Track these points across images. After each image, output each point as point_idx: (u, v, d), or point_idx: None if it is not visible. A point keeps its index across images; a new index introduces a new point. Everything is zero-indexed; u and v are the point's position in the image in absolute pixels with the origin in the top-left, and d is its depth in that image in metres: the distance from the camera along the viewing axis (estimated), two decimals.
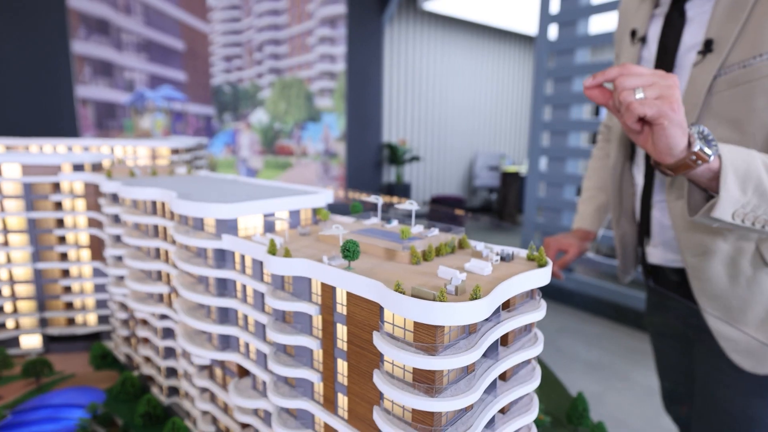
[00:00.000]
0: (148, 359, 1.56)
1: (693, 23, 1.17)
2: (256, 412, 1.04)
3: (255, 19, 7.50)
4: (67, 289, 1.85)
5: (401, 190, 9.23)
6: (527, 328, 0.85)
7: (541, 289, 0.87)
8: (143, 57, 6.62)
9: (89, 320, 1.87)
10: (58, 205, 1.78)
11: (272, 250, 0.85)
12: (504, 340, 0.79)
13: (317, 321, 0.83)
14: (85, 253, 1.83)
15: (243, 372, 1.09)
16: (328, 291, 0.79)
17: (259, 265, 0.95)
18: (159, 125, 6.94)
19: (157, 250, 1.37)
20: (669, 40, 1.21)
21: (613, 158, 1.51)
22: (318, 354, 0.84)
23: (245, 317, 1.03)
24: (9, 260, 1.78)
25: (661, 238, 1.39)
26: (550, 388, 1.82)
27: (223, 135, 7.59)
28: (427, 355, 0.63)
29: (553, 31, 5.27)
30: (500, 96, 11.27)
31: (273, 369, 0.88)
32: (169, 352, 1.44)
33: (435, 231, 0.97)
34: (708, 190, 1.01)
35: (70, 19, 5.96)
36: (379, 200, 1.07)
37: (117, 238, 1.57)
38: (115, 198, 1.56)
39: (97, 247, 1.83)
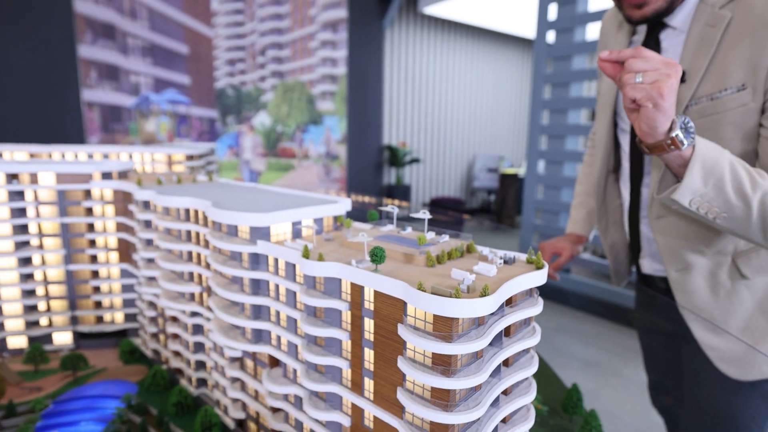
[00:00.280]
0: (177, 353, 1.69)
1: (667, 53, 1.28)
2: (286, 397, 1.17)
3: (258, 24, 7.63)
4: (97, 289, 1.98)
5: (401, 191, 9.36)
6: (527, 322, 0.98)
7: (539, 289, 1.00)
8: (148, 61, 6.74)
9: (117, 318, 2.00)
10: (89, 211, 1.91)
11: (306, 254, 0.99)
12: (507, 331, 0.92)
13: (346, 316, 0.97)
14: (114, 256, 1.96)
15: (274, 362, 1.23)
16: (357, 290, 0.92)
17: (291, 267, 1.09)
18: (164, 128, 7.06)
19: (190, 253, 1.50)
20: None
21: (596, 172, 1.63)
22: (347, 344, 0.98)
23: (277, 313, 1.16)
24: (44, 262, 1.91)
25: (649, 250, 1.52)
26: (547, 382, 1.95)
27: (227, 138, 7.72)
28: (444, 342, 0.77)
29: (551, 38, 5.40)
30: (499, 99, 11.41)
31: (306, 358, 1.02)
32: (198, 347, 1.57)
33: (446, 237, 1.10)
34: (678, 176, 1.13)
35: (76, 24, 6.07)
36: (395, 209, 1.21)
37: (148, 242, 1.70)
38: (146, 204, 1.69)
39: (124, 250, 1.96)
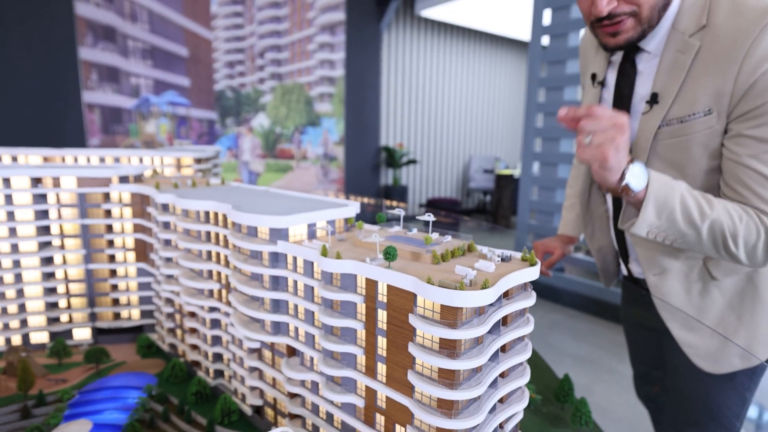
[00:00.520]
0: (194, 347, 1.80)
1: (643, 75, 1.38)
2: (303, 383, 1.28)
3: (257, 26, 7.73)
4: (115, 287, 2.08)
5: (398, 192, 9.48)
6: (522, 313, 1.10)
7: (534, 288, 1.13)
8: (148, 63, 6.82)
9: (133, 315, 2.11)
10: (108, 213, 2.02)
11: (324, 253, 1.10)
12: (504, 321, 1.04)
13: (361, 308, 1.08)
14: (131, 255, 2.07)
15: (291, 352, 1.34)
16: (372, 284, 1.04)
17: (310, 264, 1.20)
18: (163, 130, 7.14)
19: (209, 252, 1.61)
20: (623, 88, 1.43)
21: (581, 182, 1.74)
22: (361, 333, 1.09)
23: (295, 307, 1.28)
24: (65, 261, 2.01)
25: (634, 255, 1.64)
26: (541, 373, 2.07)
27: (226, 139, 7.81)
28: (450, 329, 0.88)
29: (545, 42, 5.54)
30: (494, 100, 11.56)
31: (324, 346, 1.13)
32: (216, 340, 1.69)
33: (448, 237, 1.22)
34: (637, 208, 1.26)
35: (77, 27, 6.15)
36: (401, 212, 1.33)
37: (167, 242, 1.81)
38: (165, 207, 1.80)
39: (141, 250, 2.07)
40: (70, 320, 2.05)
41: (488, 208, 11.19)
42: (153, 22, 6.80)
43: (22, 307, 1.97)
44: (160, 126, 7.11)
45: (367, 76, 8.97)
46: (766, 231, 1.21)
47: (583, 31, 1.72)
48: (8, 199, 1.89)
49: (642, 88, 1.38)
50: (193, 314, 1.77)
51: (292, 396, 1.34)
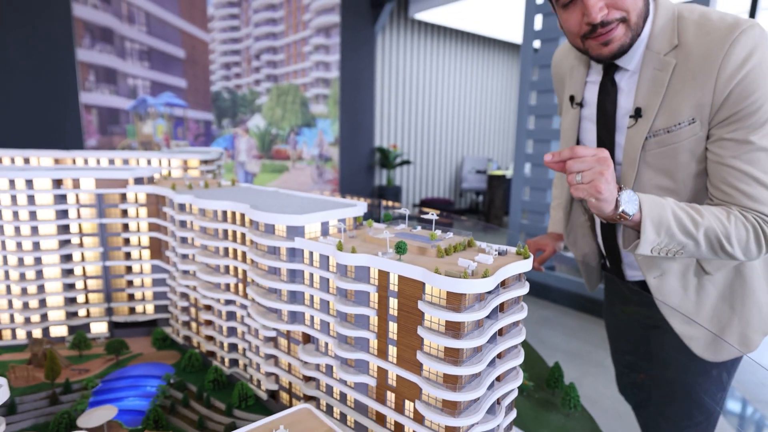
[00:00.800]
0: (210, 338, 1.92)
1: (624, 92, 1.49)
2: (318, 367, 1.41)
3: (253, 28, 7.82)
4: (130, 283, 2.19)
5: (392, 192, 9.61)
6: (516, 300, 1.24)
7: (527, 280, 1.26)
8: (146, 64, 6.89)
9: (148, 309, 2.22)
10: (125, 213, 2.13)
11: (340, 248, 1.23)
12: (501, 307, 1.18)
13: (374, 296, 1.21)
14: (146, 253, 2.18)
15: (306, 339, 1.47)
16: (384, 275, 1.17)
17: (325, 258, 1.33)
18: (160, 131, 7.21)
19: (226, 249, 1.73)
20: (606, 105, 1.53)
21: (565, 195, 1.86)
22: (374, 319, 1.22)
23: (311, 297, 1.40)
24: (83, 259, 2.12)
25: (627, 259, 1.75)
26: (533, 363, 2.21)
27: (222, 140, 7.89)
28: (455, 313, 1.01)
29: (537, 46, 5.69)
30: (487, 102, 11.72)
31: (339, 331, 1.26)
32: (231, 331, 1.80)
33: (450, 234, 1.35)
34: (635, 230, 1.38)
35: (75, 28, 6.21)
36: (407, 211, 1.46)
37: (183, 240, 1.93)
38: (182, 207, 1.91)
39: (156, 247, 2.18)
40: (88, 314, 2.15)
41: (480, 208, 11.37)
42: (150, 24, 6.87)
43: (42, 302, 2.07)
44: (157, 127, 7.18)
45: (362, 78, 9.09)
46: (753, 226, 1.33)
47: (556, 54, 1.84)
48: (30, 199, 1.99)
49: (626, 103, 1.49)
50: (209, 307, 1.88)
51: (307, 379, 1.47)
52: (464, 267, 1.09)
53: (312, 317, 1.41)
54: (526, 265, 1.18)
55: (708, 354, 1.61)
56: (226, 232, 1.72)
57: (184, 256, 1.93)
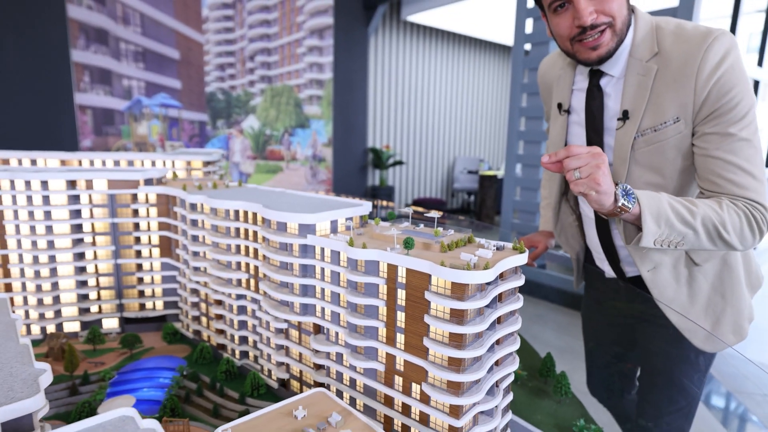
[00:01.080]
0: (221, 331, 2.01)
1: (611, 97, 1.60)
2: (328, 355, 1.51)
3: (247, 30, 7.88)
4: (141, 280, 2.28)
5: (385, 192, 9.71)
6: (513, 291, 1.35)
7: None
8: (140, 65, 6.92)
9: (158, 305, 2.30)
10: (136, 212, 2.21)
11: (351, 244, 1.34)
12: (500, 297, 1.29)
13: (383, 288, 1.32)
14: (156, 251, 2.26)
15: (317, 329, 1.57)
16: (393, 268, 1.27)
17: (336, 254, 1.43)
18: (155, 131, 7.24)
19: (238, 246, 1.83)
20: (594, 109, 1.64)
21: (554, 197, 1.96)
22: (383, 310, 1.33)
23: (322, 290, 1.50)
24: (95, 257, 2.20)
25: (624, 257, 1.86)
26: (527, 354, 2.34)
27: (217, 141, 7.94)
28: (459, 301, 1.12)
29: (527, 49, 5.83)
30: (478, 103, 11.87)
31: (350, 321, 1.36)
32: (242, 324, 1.90)
33: (451, 231, 1.46)
34: (636, 225, 1.46)
35: (70, 29, 6.23)
36: (410, 210, 1.56)
37: (194, 238, 2.02)
38: (193, 206, 2.00)
39: (166, 246, 2.27)
40: (100, 311, 2.23)
41: (472, 208, 11.52)
42: (145, 25, 6.90)
43: (56, 299, 2.15)
44: (151, 128, 7.22)
45: (355, 79, 9.18)
46: (744, 212, 1.43)
47: (542, 65, 1.94)
48: (46, 199, 2.07)
49: (613, 106, 1.61)
50: (219, 302, 1.98)
51: (318, 367, 1.57)
52: (466, 260, 1.20)
53: (323, 309, 1.52)
54: (522, 258, 1.30)
55: (707, 345, 1.70)
56: (238, 230, 1.82)
57: (196, 254, 2.02)
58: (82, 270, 2.19)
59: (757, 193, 1.44)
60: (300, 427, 1.15)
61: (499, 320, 1.31)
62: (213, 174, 3.06)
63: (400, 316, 1.29)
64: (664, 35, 1.50)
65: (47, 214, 2.08)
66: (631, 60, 1.54)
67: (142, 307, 2.29)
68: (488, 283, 1.22)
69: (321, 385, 1.57)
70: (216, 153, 3.72)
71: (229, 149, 8.03)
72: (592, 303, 2.23)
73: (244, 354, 1.93)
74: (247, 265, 1.82)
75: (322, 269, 1.50)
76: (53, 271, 2.13)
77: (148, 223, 2.23)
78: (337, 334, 1.48)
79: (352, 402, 1.47)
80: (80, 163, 2.91)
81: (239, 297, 1.87)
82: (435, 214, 1.46)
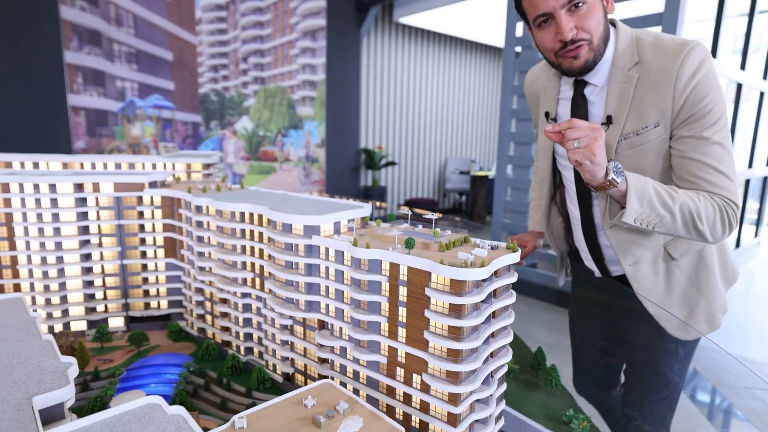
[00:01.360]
0: (225, 329, 2.09)
1: (595, 105, 1.71)
2: (333, 349, 1.60)
3: (240, 32, 7.92)
4: (146, 280, 2.35)
5: (377, 193, 9.79)
6: (506, 288, 1.45)
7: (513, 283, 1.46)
8: (134, 67, 6.93)
9: (162, 304, 2.37)
10: (141, 214, 2.28)
11: (355, 244, 1.42)
12: (494, 293, 1.39)
13: (386, 286, 1.40)
14: (161, 252, 2.33)
15: (321, 325, 1.65)
16: (395, 267, 1.36)
17: (341, 253, 1.52)
18: (149, 133, 7.26)
19: (243, 246, 1.91)
20: (580, 117, 1.74)
21: (543, 199, 2.06)
22: (385, 306, 1.42)
23: (327, 288, 1.59)
24: (102, 258, 2.26)
25: (608, 256, 1.97)
26: (519, 349, 2.44)
27: (210, 142, 7.97)
28: (457, 297, 1.22)
29: (518, 50, 5.94)
30: (469, 104, 11.99)
31: (353, 316, 1.45)
32: (246, 322, 1.98)
33: (448, 232, 1.56)
34: (620, 203, 1.58)
35: (63, 30, 6.23)
36: (410, 212, 1.65)
37: (200, 239, 2.09)
38: (198, 208, 2.08)
39: (170, 247, 2.34)
40: (106, 310, 2.30)
41: (464, 208, 11.65)
42: (138, 27, 6.92)
43: (64, 299, 2.21)
44: (145, 129, 7.24)
45: (348, 81, 9.26)
46: (719, 206, 1.54)
47: (529, 76, 2.05)
48: (53, 202, 2.13)
49: (595, 114, 1.72)
50: (224, 300, 2.05)
51: (322, 361, 1.66)
52: (464, 259, 1.29)
53: (327, 306, 1.60)
54: (514, 257, 1.40)
55: (680, 333, 1.83)
56: (243, 231, 1.89)
57: (201, 254, 2.10)
58: (89, 270, 2.25)
59: (730, 192, 1.56)
60: (310, 415, 1.24)
61: (494, 314, 1.41)
62: (213, 176, 3.13)
63: (402, 311, 1.38)
64: (644, 46, 1.61)
65: (55, 217, 2.14)
66: (613, 69, 1.64)
67: (147, 306, 2.36)
68: (484, 280, 1.31)
69: (326, 377, 1.66)
70: (214, 155, 3.78)
71: (222, 150, 8.06)
72: (579, 300, 2.33)
73: (249, 350, 2.01)
74: (253, 264, 1.90)
75: (327, 268, 1.58)
76: (61, 272, 2.19)
77: (153, 225, 2.30)
78: (341, 329, 1.57)
79: (356, 393, 1.55)
80: (82, 165, 2.97)
81: (244, 295, 1.95)
82: (434, 215, 1.55)
